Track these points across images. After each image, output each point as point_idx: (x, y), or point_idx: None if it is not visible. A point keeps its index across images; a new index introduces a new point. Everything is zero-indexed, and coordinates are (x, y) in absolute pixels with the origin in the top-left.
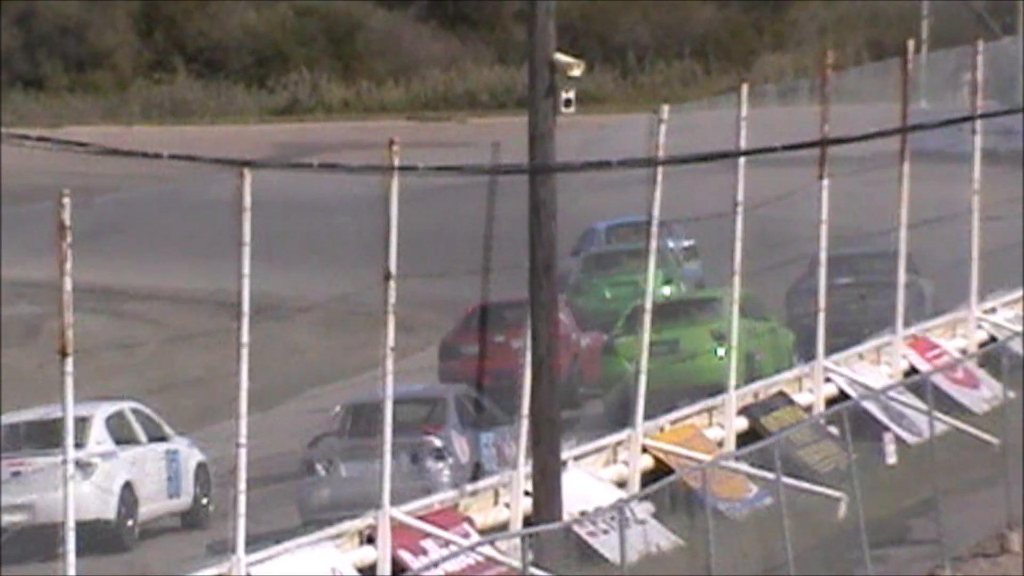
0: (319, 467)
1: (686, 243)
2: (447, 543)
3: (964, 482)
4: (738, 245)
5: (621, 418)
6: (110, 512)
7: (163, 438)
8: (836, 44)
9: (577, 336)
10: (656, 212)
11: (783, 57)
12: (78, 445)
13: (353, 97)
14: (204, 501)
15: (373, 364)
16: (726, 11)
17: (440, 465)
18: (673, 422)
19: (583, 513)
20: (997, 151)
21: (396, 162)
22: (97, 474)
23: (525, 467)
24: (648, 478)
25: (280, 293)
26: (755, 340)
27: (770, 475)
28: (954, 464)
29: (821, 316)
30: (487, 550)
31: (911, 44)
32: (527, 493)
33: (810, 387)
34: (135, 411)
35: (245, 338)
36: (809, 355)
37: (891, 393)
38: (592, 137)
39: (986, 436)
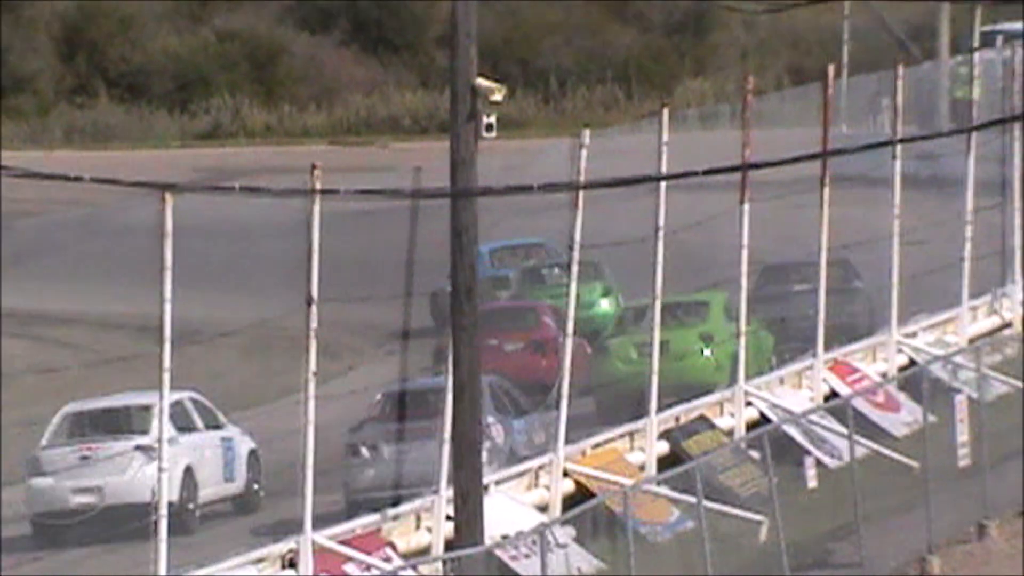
0: (363, 450)
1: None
2: (369, 567)
3: (885, 506)
4: (659, 269)
5: (612, 416)
6: (173, 495)
7: (218, 426)
8: (757, 69)
9: (563, 340)
10: (578, 236)
11: (704, 82)
12: (142, 432)
13: (275, 122)
14: (255, 486)
15: (295, 389)
16: (648, 36)
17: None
18: (594, 446)
19: (505, 537)
20: (918, 176)
21: (318, 186)
22: None
23: (447, 491)
24: (570, 502)
25: (202, 318)
26: (739, 341)
27: (691, 499)
28: (875, 488)
29: (742, 340)
30: (409, 574)
31: (832, 69)
32: (449, 517)
33: (731, 411)
34: (193, 400)
35: (167, 363)
36: (789, 356)
37: (812, 417)
38: (514, 162)
39: (906, 460)
